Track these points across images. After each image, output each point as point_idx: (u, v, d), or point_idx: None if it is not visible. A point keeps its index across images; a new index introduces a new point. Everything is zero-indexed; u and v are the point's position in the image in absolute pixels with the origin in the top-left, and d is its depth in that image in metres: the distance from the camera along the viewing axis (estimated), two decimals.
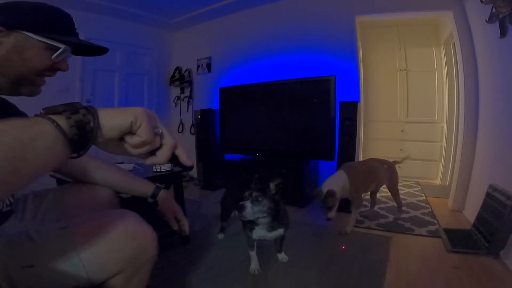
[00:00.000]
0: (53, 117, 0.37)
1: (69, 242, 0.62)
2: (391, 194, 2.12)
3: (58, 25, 0.68)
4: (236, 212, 1.25)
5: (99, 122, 0.40)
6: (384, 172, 2.04)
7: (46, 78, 0.72)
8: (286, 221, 1.41)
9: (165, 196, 1.01)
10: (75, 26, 0.73)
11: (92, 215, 0.71)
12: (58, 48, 0.67)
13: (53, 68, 0.70)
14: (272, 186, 1.30)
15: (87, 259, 0.62)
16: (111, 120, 0.41)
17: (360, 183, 1.88)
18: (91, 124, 0.39)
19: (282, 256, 1.55)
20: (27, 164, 0.34)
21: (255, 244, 1.44)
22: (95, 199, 0.89)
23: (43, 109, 0.39)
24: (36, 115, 0.38)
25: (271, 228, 1.35)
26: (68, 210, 0.86)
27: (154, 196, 1.00)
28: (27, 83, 0.68)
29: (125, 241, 0.66)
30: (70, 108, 0.39)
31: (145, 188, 1.00)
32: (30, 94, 0.70)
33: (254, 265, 1.43)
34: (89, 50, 0.77)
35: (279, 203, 1.32)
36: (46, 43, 0.65)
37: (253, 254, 1.44)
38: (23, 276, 0.60)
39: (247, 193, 1.27)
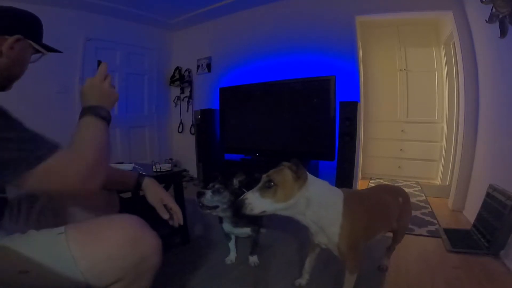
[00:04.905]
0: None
1: (67, 249, 0.61)
2: (393, 235, 1.36)
3: (41, 32, 0.79)
4: (196, 198, 1.34)
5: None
6: (397, 209, 1.25)
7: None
8: (254, 221, 1.45)
9: (150, 183, 0.95)
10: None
11: (92, 220, 0.70)
12: (39, 52, 0.77)
13: None
14: (235, 181, 1.40)
15: (86, 267, 0.61)
16: None
17: (360, 231, 1.05)
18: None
19: (252, 259, 1.51)
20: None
21: (232, 236, 1.56)
22: (90, 198, 0.88)
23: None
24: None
25: (235, 223, 1.44)
26: (64, 210, 0.85)
27: (138, 185, 0.94)
28: (16, 80, 0.76)
29: (125, 249, 0.63)
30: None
31: (128, 178, 0.95)
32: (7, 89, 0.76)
33: (230, 256, 1.55)
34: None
35: None
36: (36, 48, 0.75)
37: (230, 245, 1.57)
38: (19, 282, 0.59)
39: (210, 184, 1.38)
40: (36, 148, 0.52)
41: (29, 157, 0.51)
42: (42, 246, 0.62)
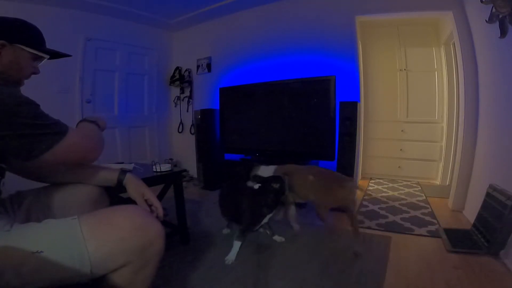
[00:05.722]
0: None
1: (77, 230, 0.66)
2: None
3: (38, 39, 0.86)
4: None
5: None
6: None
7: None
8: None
9: (132, 179, 0.96)
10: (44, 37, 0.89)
11: (102, 210, 0.76)
12: (41, 57, 0.85)
13: (33, 73, 0.87)
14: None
15: (94, 247, 0.65)
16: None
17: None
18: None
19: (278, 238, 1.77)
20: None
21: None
22: (78, 197, 0.91)
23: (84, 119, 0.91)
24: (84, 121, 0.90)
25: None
26: (51, 207, 0.87)
27: (120, 181, 0.95)
28: (21, 84, 0.84)
29: (132, 232, 0.69)
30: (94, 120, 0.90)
31: (110, 174, 0.96)
32: None
33: (230, 255, 1.54)
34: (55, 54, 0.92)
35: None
36: (34, 54, 0.82)
37: (237, 246, 1.56)
38: (30, 263, 0.62)
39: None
40: (60, 126, 0.71)
41: (57, 132, 0.70)
42: (56, 228, 0.68)
